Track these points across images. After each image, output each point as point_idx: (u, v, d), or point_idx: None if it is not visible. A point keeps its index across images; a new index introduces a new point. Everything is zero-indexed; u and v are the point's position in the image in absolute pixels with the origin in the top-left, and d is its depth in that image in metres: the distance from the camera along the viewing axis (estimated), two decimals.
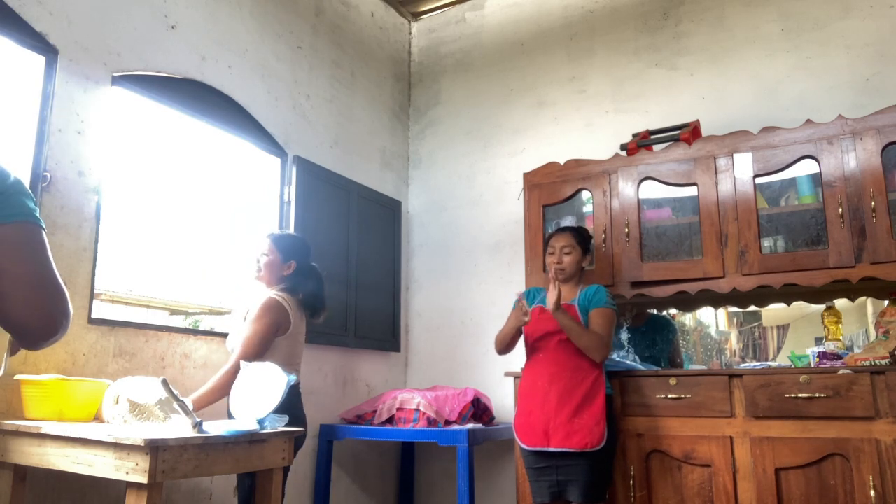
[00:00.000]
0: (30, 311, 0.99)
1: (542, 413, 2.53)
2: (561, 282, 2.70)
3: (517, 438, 2.62)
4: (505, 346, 2.72)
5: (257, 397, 2.17)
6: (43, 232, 1.04)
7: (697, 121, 3.18)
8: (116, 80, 2.66)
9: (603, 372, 2.59)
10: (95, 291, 2.51)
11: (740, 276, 2.82)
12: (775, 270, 2.76)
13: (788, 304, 3.14)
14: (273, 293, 2.55)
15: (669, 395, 2.70)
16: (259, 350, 2.42)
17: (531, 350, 2.71)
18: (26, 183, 2.36)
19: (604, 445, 2.45)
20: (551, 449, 2.48)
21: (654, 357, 3.19)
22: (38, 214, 1.05)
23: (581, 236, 2.79)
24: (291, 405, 2.42)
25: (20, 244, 1.00)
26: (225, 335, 3.01)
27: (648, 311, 3.37)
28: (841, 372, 2.44)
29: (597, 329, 2.58)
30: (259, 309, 2.48)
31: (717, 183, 2.93)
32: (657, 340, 3.27)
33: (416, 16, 4.61)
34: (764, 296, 3.09)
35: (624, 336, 3.21)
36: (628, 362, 2.95)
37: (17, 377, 2.15)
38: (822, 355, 2.63)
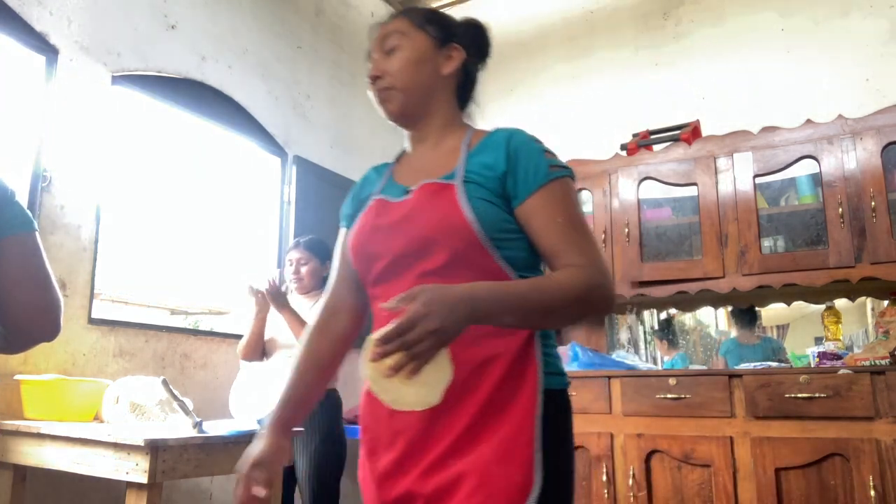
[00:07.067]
0: (38, 315, 1.05)
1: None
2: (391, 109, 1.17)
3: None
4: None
5: (257, 397, 2.17)
6: (37, 234, 1.08)
7: (697, 121, 3.18)
8: (116, 80, 2.66)
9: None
10: (95, 291, 2.51)
11: (740, 276, 2.82)
12: (775, 270, 2.76)
13: (788, 304, 3.14)
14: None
15: (669, 395, 2.70)
16: None
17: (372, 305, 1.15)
18: (27, 184, 2.37)
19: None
20: None
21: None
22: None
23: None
24: (331, 420, 2.44)
25: (29, 254, 1.05)
26: (225, 335, 3.01)
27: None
28: (841, 372, 2.44)
29: (567, 254, 0.99)
30: None
31: (717, 183, 2.93)
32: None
33: None
34: (764, 296, 3.09)
35: (624, 336, 3.21)
36: (628, 362, 2.95)
37: (17, 377, 2.15)
38: (822, 355, 2.63)
